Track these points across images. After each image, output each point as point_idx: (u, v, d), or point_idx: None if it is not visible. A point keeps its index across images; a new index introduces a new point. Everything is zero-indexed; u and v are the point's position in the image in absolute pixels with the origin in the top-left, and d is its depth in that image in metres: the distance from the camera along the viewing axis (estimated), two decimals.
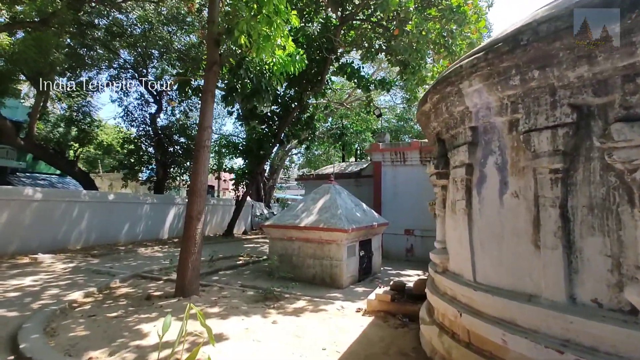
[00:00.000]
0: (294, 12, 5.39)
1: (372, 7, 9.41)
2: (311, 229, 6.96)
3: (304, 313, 5.04)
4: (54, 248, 10.30)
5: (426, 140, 12.06)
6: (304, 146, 19.46)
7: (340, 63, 13.96)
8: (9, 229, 9.33)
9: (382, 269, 8.77)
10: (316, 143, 20.68)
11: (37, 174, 21.03)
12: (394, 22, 9.62)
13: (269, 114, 16.53)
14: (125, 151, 16.82)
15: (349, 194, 8.63)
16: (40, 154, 14.71)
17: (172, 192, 20.84)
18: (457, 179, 3.28)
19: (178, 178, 18.17)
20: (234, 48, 6.08)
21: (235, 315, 4.78)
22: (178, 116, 18.18)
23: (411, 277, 8.26)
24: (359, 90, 25.89)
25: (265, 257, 10.30)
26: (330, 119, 23.19)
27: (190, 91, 6.89)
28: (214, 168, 21.29)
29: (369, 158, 14.38)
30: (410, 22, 8.71)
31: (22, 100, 19.06)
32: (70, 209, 10.96)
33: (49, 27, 10.40)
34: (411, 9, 7.89)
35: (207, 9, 8.00)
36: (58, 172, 20.79)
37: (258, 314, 4.89)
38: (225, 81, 6.71)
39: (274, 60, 6.16)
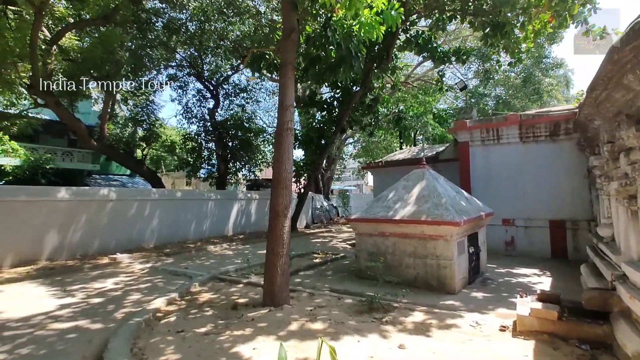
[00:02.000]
0: None
1: None
2: (411, 222, 5.80)
3: (430, 331, 3.93)
4: (130, 247, 10.28)
5: (528, 112, 10.24)
6: (365, 133, 18.17)
7: (408, 35, 12.45)
8: (90, 229, 9.37)
9: (487, 266, 7.36)
10: (378, 129, 19.25)
11: (110, 175, 22.18)
12: None
13: (329, 99, 15.52)
14: (188, 148, 16.86)
15: (447, 180, 7.30)
16: (112, 154, 15.15)
17: (233, 187, 20.79)
18: None
19: (239, 173, 17.92)
20: (315, 9, 5.05)
21: (347, 335, 3.81)
22: (235, 110, 17.87)
23: (529, 276, 6.79)
24: (418, 69, 23.95)
25: (342, 254, 9.36)
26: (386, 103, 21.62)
27: (264, 66, 5.98)
28: (270, 161, 20.85)
29: (451, 139, 12.73)
30: None
31: (92, 107, 20.05)
32: (142, 208, 10.91)
33: (112, 23, 10.26)
34: None
35: None
36: (128, 172, 21.73)
37: (374, 332, 3.87)
38: (302, 51, 5.72)
39: (362, 20, 5.04)
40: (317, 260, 8.44)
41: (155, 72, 16.40)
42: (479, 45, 15.15)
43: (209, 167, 17.37)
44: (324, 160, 21.90)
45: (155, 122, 17.28)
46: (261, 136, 18.38)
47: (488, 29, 9.61)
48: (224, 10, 14.09)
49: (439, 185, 6.35)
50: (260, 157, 18.40)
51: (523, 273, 7.05)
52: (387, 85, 16.16)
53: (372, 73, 12.23)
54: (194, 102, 16.95)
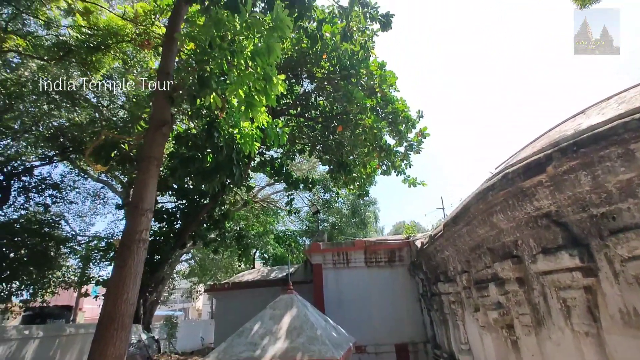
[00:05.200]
0: (282, 76, 4.42)
1: (330, 98, 9.30)
2: None
3: None
4: None
5: (369, 239, 11.49)
6: (207, 249, 16.52)
7: (262, 158, 13.16)
8: None
9: None
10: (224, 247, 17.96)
11: None
12: (337, 118, 9.61)
13: (171, 209, 13.80)
14: None
15: (312, 305, 6.77)
16: None
17: None
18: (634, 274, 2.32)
19: (13, 297, 12.44)
20: (196, 108, 4.53)
21: None
22: (32, 210, 13.52)
23: None
24: (267, 189, 25.24)
25: None
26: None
27: (115, 156, 4.64)
28: (72, 279, 15.69)
29: (303, 262, 12.72)
30: (358, 120, 8.74)
31: None
32: None
33: None
34: (368, 104, 7.96)
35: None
36: None
37: None
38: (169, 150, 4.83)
39: (244, 131, 4.81)
40: None
41: None
42: (323, 176, 17.37)
43: None
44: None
45: None
46: (66, 246, 14.06)
47: (334, 165, 11.17)
48: (51, 92, 11.76)
49: (310, 314, 5.73)
50: (59, 274, 13.69)
51: None
52: (239, 201, 15.94)
53: (227, 186, 11.84)
54: None
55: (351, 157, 10.94)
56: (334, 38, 7.91)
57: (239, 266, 25.33)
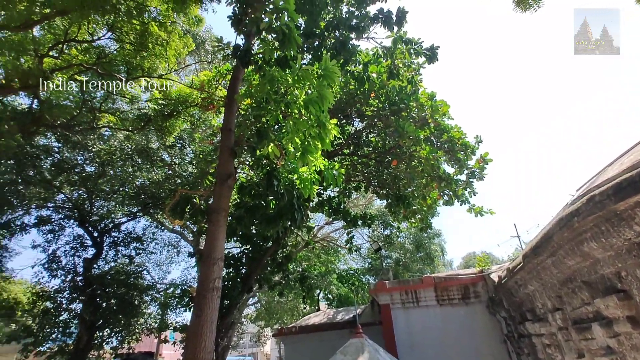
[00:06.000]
0: (334, 120, 4.59)
1: (382, 134, 9.39)
2: None
3: None
4: None
5: (439, 274, 10.79)
6: (273, 292, 16.75)
7: (320, 198, 13.37)
8: None
9: None
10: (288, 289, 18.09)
11: None
12: (390, 152, 9.55)
13: (236, 254, 14.43)
14: (37, 311, 12.57)
15: (385, 350, 6.39)
16: None
17: None
18: None
19: (105, 345, 13.56)
20: (255, 158, 4.87)
21: None
22: (120, 262, 15.03)
23: None
24: (322, 230, 25.41)
25: None
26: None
27: (189, 210, 5.10)
28: (152, 326, 16.75)
29: (370, 302, 12.26)
30: (413, 152, 8.60)
31: None
32: None
33: None
34: (421, 136, 7.85)
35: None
36: None
37: None
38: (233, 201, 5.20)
39: (303, 176, 5.00)
40: None
41: (21, 212, 13.45)
42: (381, 211, 17.06)
43: (64, 338, 12.84)
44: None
45: None
46: (147, 294, 15.21)
47: (391, 199, 10.94)
48: (134, 156, 13.52)
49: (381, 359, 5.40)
50: (142, 321, 14.73)
51: None
52: (300, 243, 16.18)
53: (288, 229, 12.15)
54: (66, 250, 13.78)
55: (409, 190, 10.65)
56: (380, 77, 8.11)
57: (304, 308, 25.16)
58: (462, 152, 8.60)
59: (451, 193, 9.95)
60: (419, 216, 11.54)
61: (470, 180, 9.42)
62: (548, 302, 4.22)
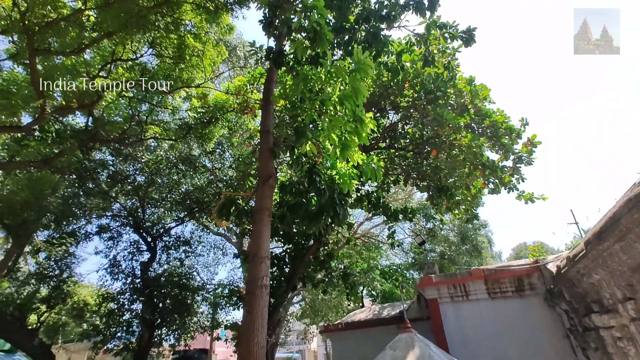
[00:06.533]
0: (370, 114, 4.53)
1: (419, 125, 9.17)
2: None
3: None
4: None
5: (488, 266, 10.35)
6: (317, 290, 16.92)
7: (359, 194, 13.29)
8: None
9: None
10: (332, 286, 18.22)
11: None
12: (429, 142, 9.26)
13: (279, 254, 14.77)
14: (104, 311, 13.68)
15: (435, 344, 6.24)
16: None
17: None
18: None
19: (164, 342, 14.47)
20: (294, 157, 4.94)
21: None
22: (172, 265, 15.94)
23: None
24: (366, 223, 25.22)
25: None
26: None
27: (234, 212, 5.32)
28: (205, 324, 17.60)
29: (416, 297, 12.02)
30: (453, 141, 8.28)
31: None
32: None
33: (51, 167, 9.37)
34: (462, 123, 7.54)
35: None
36: (7, 346, 16.43)
37: None
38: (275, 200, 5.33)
39: (341, 171, 5.00)
40: None
41: (84, 222, 14.73)
42: (422, 204, 16.64)
43: (127, 336, 13.88)
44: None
45: (67, 278, 14.35)
46: (198, 294, 16.02)
47: (432, 191, 10.61)
48: (178, 164, 14.29)
49: (435, 355, 5.26)
50: (195, 320, 15.54)
51: None
52: (341, 240, 16.21)
53: (329, 227, 12.20)
54: (125, 255, 14.88)
55: (451, 180, 10.27)
56: (414, 65, 7.88)
57: (348, 305, 25.17)
58: (507, 137, 8.14)
59: (497, 181, 9.46)
60: (463, 207, 11.09)
61: (518, 165, 8.90)
62: (617, 292, 3.89)
